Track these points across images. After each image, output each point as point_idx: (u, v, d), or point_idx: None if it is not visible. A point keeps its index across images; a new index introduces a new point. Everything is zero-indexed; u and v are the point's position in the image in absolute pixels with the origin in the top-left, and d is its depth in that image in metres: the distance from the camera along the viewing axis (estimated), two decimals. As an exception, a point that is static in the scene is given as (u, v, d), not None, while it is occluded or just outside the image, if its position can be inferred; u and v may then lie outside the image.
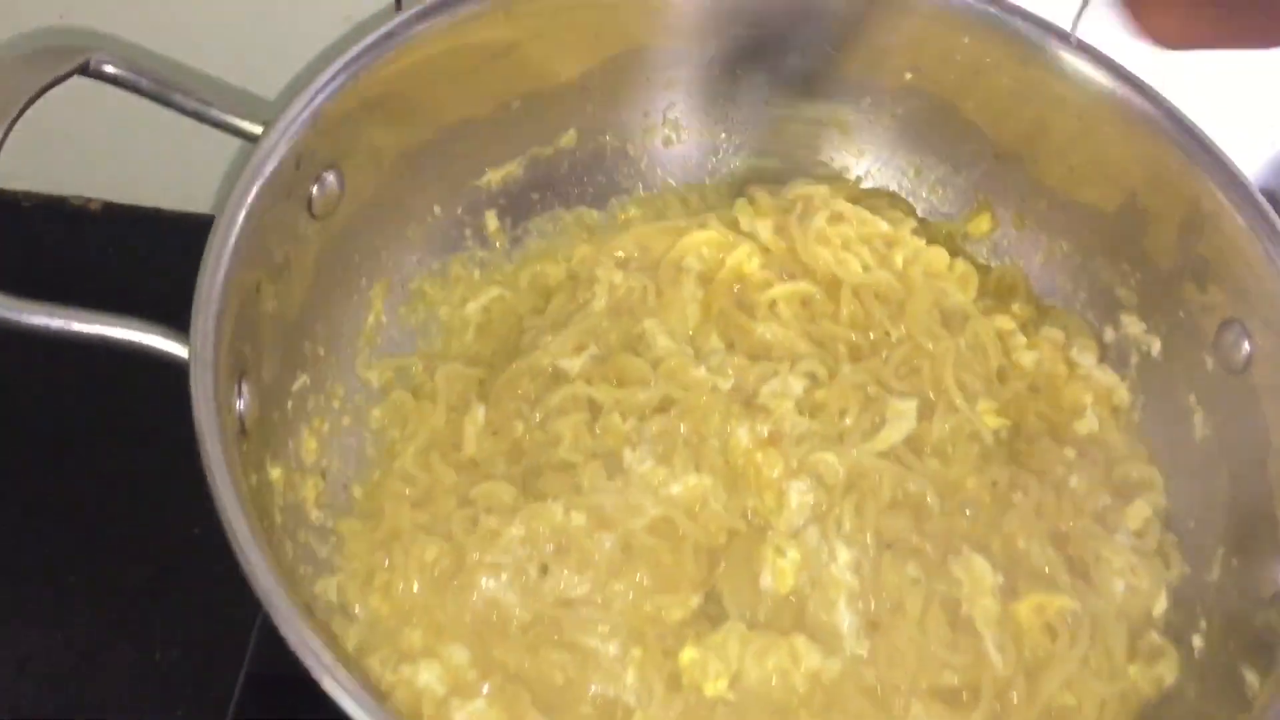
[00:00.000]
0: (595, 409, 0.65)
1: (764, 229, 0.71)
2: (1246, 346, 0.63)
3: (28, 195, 0.87)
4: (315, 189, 0.62)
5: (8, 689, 0.69)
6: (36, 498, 0.75)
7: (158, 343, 0.53)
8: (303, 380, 0.63)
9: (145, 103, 0.60)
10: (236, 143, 0.61)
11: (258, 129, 0.59)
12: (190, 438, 0.72)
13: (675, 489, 0.61)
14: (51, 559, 0.73)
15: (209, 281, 0.54)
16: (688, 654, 0.57)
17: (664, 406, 0.64)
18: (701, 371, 0.65)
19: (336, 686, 0.44)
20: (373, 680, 0.54)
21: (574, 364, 0.65)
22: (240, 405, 0.56)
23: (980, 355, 0.69)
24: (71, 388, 0.78)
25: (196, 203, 0.85)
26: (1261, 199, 0.63)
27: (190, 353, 0.52)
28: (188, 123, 0.60)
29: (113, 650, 0.71)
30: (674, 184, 0.77)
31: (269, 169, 0.58)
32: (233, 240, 0.56)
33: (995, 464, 0.65)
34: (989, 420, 0.66)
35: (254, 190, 0.57)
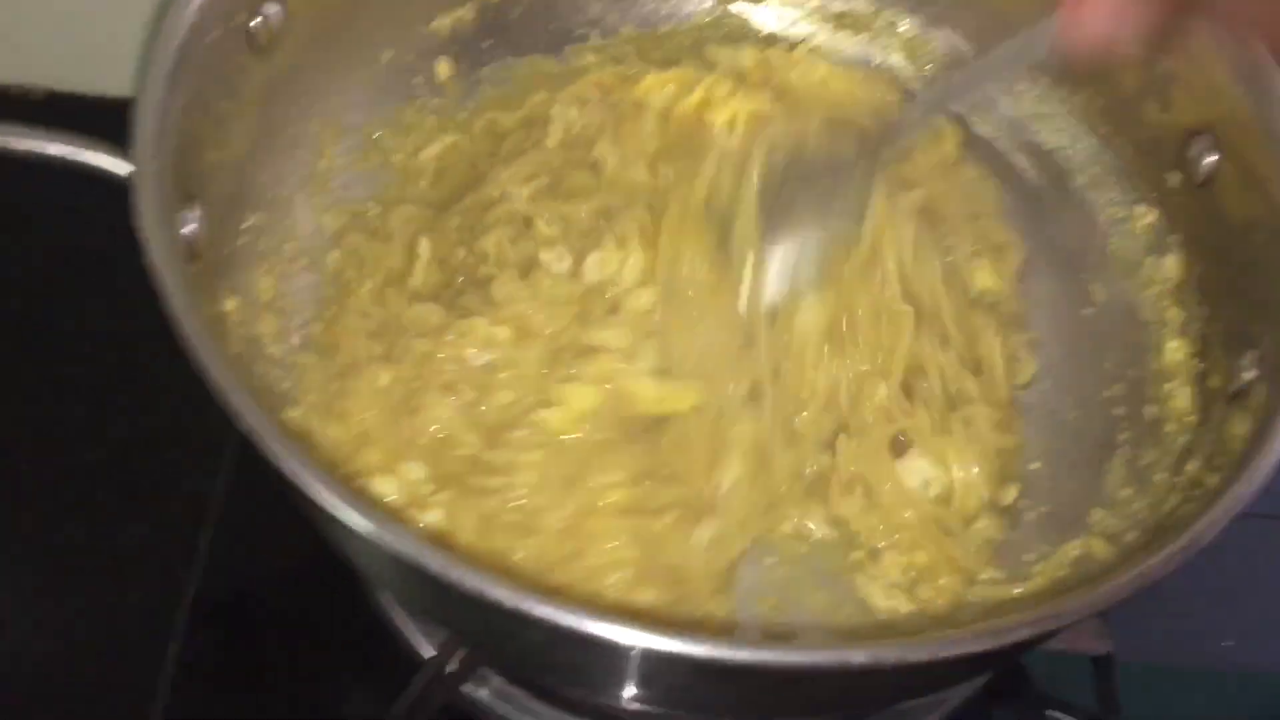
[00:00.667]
0: (529, 224, 0.64)
1: (746, 57, 0.69)
2: (1211, 158, 0.63)
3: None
4: (256, 21, 0.60)
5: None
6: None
7: (100, 160, 0.51)
8: (253, 219, 0.62)
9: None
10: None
11: (192, -50, 0.57)
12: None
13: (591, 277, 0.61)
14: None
15: (148, 100, 0.52)
16: None
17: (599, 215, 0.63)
18: (645, 178, 0.64)
19: (322, 490, 0.43)
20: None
21: (521, 192, 0.64)
22: (190, 230, 0.54)
23: None
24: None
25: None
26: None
27: (133, 168, 0.50)
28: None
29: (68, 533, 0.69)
30: (632, 31, 0.75)
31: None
32: (170, 61, 0.54)
33: None
34: None
35: (190, 10, 0.55)
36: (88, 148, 0.51)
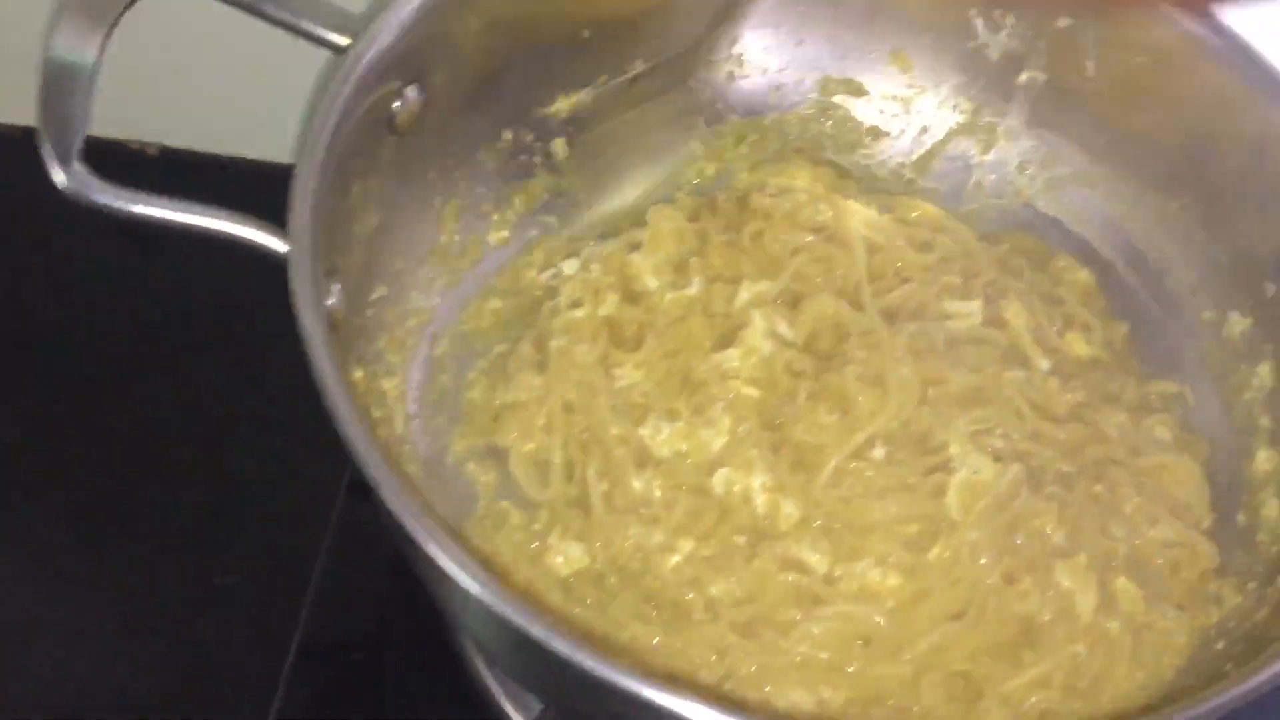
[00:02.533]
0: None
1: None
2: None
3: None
4: (397, 104, 0.63)
5: (68, 609, 0.70)
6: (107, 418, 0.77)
7: (256, 236, 0.54)
8: (380, 291, 0.65)
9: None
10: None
11: (346, 40, 0.60)
12: (264, 352, 0.74)
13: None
14: (116, 476, 0.75)
15: (303, 184, 0.56)
16: None
17: None
18: None
19: (440, 552, 0.46)
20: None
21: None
22: (331, 301, 0.57)
23: None
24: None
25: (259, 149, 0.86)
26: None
27: (290, 245, 0.53)
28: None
29: (173, 569, 0.72)
30: (735, 119, 0.78)
31: (355, 80, 0.59)
32: (322, 147, 0.57)
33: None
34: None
35: (342, 98, 0.58)
36: (245, 224, 0.54)
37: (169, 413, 0.78)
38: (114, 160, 0.86)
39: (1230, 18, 0.67)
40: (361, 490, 0.69)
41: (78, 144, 0.53)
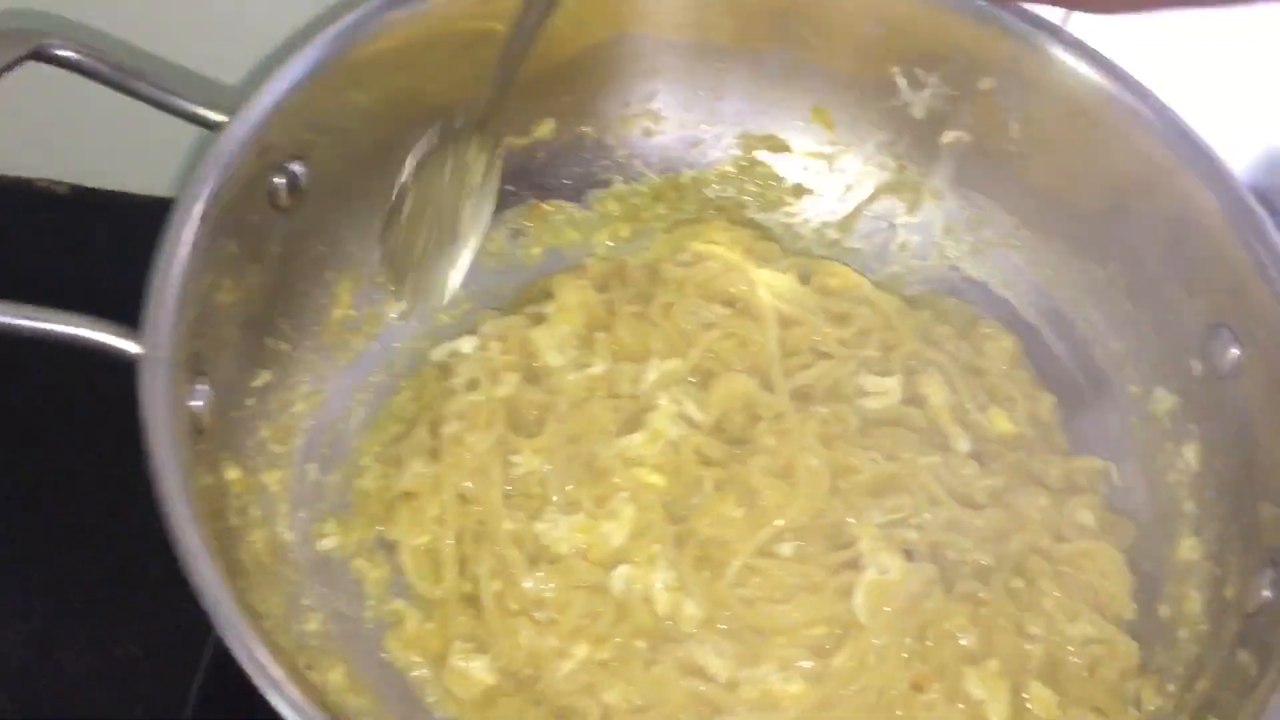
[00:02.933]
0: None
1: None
2: (1234, 351, 0.62)
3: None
4: (279, 180, 0.60)
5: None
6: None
7: (108, 339, 0.51)
8: (264, 377, 0.62)
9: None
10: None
11: (221, 118, 0.57)
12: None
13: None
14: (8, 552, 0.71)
15: (162, 279, 0.53)
16: None
17: None
18: None
19: (283, 703, 0.43)
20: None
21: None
22: (198, 404, 0.54)
23: None
24: (30, 381, 0.76)
25: (166, 186, 0.82)
26: (1251, 199, 0.62)
27: (142, 351, 0.50)
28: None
29: (71, 645, 0.68)
30: (653, 176, 0.75)
31: (230, 160, 0.56)
32: (189, 235, 0.54)
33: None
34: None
35: (211, 182, 0.55)
36: (95, 329, 0.51)
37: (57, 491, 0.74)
38: (23, 199, 0.86)
39: (1153, 83, 0.64)
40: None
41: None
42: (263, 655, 0.44)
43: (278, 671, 0.44)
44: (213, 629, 0.62)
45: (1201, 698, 0.55)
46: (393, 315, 0.69)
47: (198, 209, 0.55)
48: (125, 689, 0.67)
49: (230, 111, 0.57)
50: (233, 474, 0.57)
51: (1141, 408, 0.67)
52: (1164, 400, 0.66)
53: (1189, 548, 0.62)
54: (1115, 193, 0.67)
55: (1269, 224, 0.61)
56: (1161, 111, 0.64)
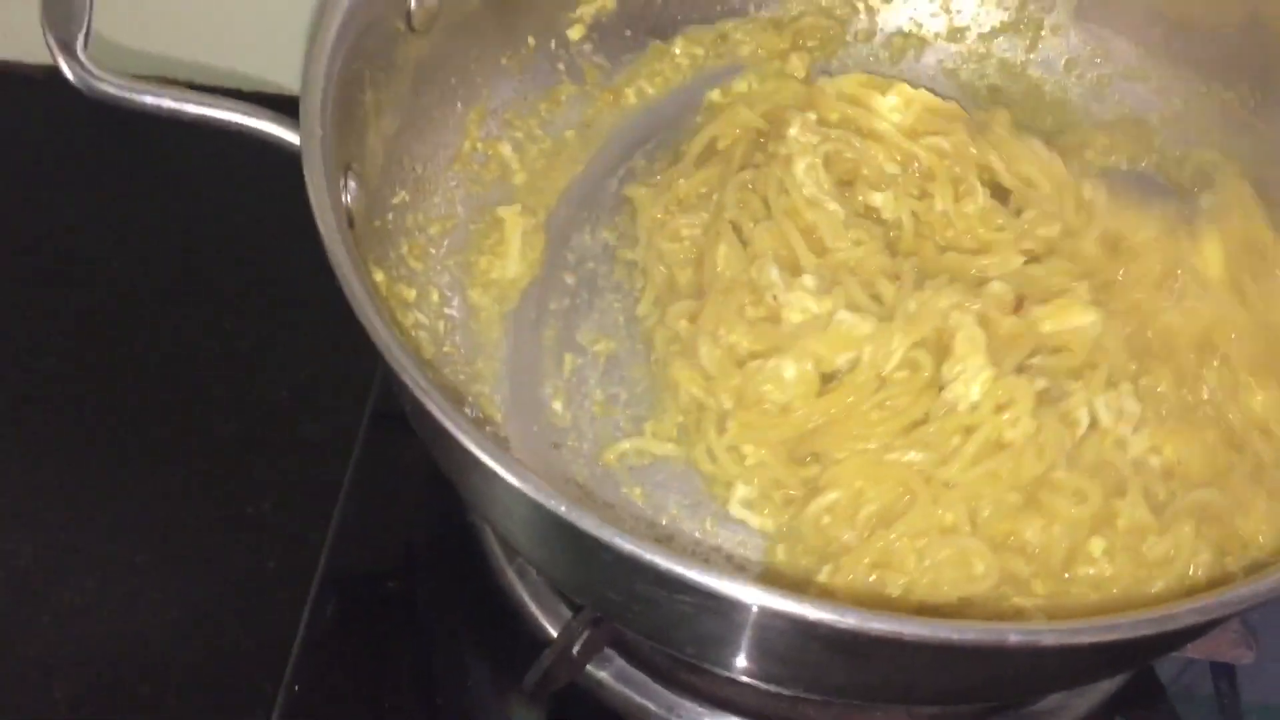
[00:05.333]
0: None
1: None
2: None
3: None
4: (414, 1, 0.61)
5: (99, 538, 0.69)
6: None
7: (268, 127, 0.52)
8: (402, 195, 0.63)
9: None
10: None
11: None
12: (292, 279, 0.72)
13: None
14: (144, 406, 0.74)
15: (314, 74, 0.54)
16: None
17: None
18: None
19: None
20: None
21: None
22: (347, 199, 0.55)
23: None
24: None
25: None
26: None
27: (301, 135, 0.51)
28: None
29: (204, 501, 0.71)
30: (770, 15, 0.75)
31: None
32: (332, 38, 0.55)
33: None
34: None
35: (350, -6, 0.57)
36: (258, 116, 0.52)
37: (197, 340, 0.76)
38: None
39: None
40: (384, 419, 0.69)
41: (82, 36, 0.52)
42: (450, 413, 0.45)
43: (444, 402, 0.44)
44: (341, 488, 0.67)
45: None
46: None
47: (338, 17, 0.56)
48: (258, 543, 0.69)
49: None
50: (378, 276, 0.59)
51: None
52: None
53: None
54: (1245, 10, 0.66)
55: None
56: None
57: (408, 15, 0.61)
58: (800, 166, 0.64)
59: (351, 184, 0.56)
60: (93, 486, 0.71)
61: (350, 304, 0.46)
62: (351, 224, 0.55)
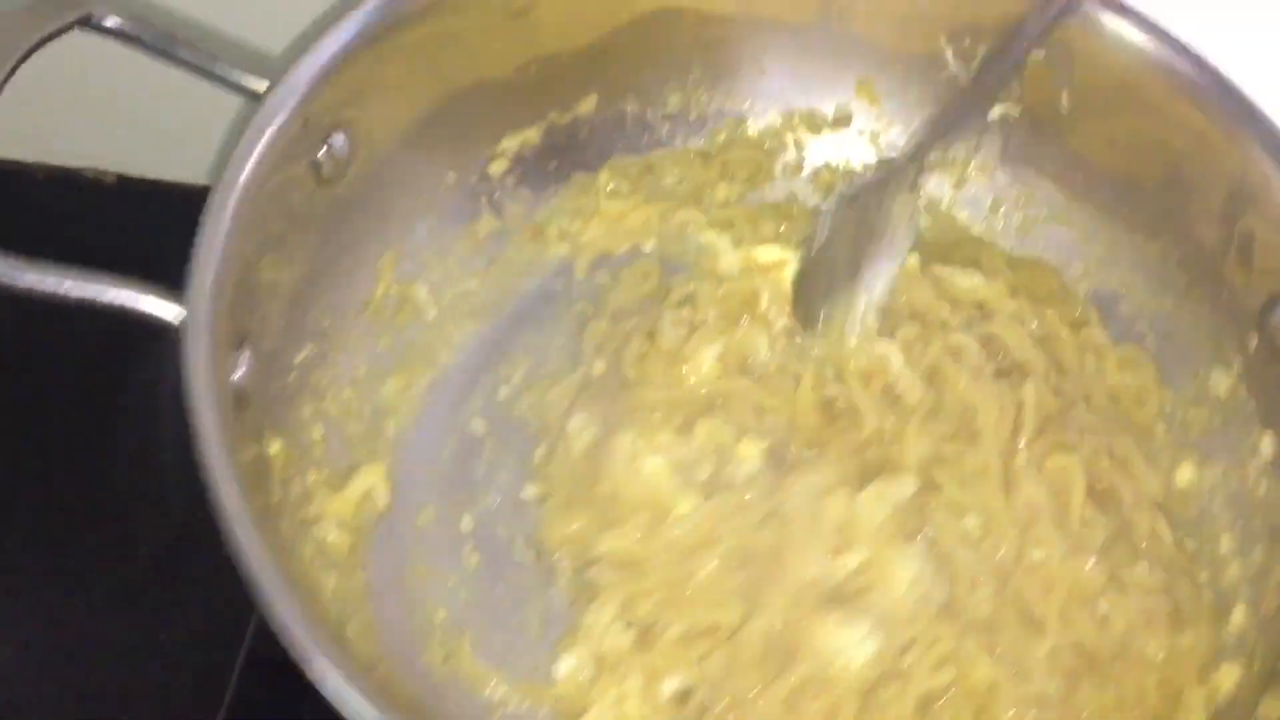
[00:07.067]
0: None
1: None
2: (1294, 324, 0.60)
3: (40, 167, 0.85)
4: (322, 152, 0.60)
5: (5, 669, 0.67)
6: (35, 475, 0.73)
7: (152, 306, 0.51)
8: (307, 351, 0.61)
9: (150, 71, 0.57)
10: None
11: (262, 85, 0.57)
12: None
13: None
14: (51, 540, 0.71)
15: (208, 245, 0.52)
16: None
17: None
18: None
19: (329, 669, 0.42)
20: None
21: None
22: (240, 374, 0.53)
23: None
24: (74, 358, 0.76)
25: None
26: (1313, 171, 0.60)
27: (186, 316, 0.50)
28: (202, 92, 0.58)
29: (114, 632, 0.68)
30: (692, 150, 0.74)
31: (274, 129, 0.56)
32: (233, 203, 0.54)
33: None
34: None
35: (257, 151, 0.55)
36: (140, 291, 0.51)
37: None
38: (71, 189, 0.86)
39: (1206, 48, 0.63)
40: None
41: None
42: (301, 623, 0.43)
43: (318, 640, 0.43)
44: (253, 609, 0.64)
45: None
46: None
47: (241, 177, 0.54)
48: (168, 673, 0.67)
49: (272, 80, 0.57)
50: (274, 447, 0.57)
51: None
52: (1221, 381, 0.65)
53: None
54: (1169, 165, 0.66)
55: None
56: (1215, 78, 0.62)
57: (316, 168, 0.60)
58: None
59: (245, 355, 0.54)
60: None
61: (217, 512, 0.44)
62: (245, 401, 0.54)
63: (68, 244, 0.80)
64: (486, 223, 0.70)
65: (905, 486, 0.62)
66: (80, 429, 0.74)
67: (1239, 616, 0.60)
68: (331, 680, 0.44)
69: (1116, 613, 0.60)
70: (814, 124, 0.74)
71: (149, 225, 0.82)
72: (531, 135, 0.70)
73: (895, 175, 0.68)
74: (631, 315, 0.70)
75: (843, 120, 0.74)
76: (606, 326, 0.70)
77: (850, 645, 0.56)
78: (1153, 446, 0.66)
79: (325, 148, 0.60)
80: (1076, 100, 0.67)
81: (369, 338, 0.65)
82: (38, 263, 0.50)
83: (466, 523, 0.64)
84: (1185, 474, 0.66)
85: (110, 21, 0.56)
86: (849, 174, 0.75)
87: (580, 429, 0.64)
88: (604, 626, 0.58)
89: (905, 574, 0.58)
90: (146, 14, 0.57)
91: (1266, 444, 0.62)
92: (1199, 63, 0.63)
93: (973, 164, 0.73)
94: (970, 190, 0.74)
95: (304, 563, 0.57)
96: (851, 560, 0.59)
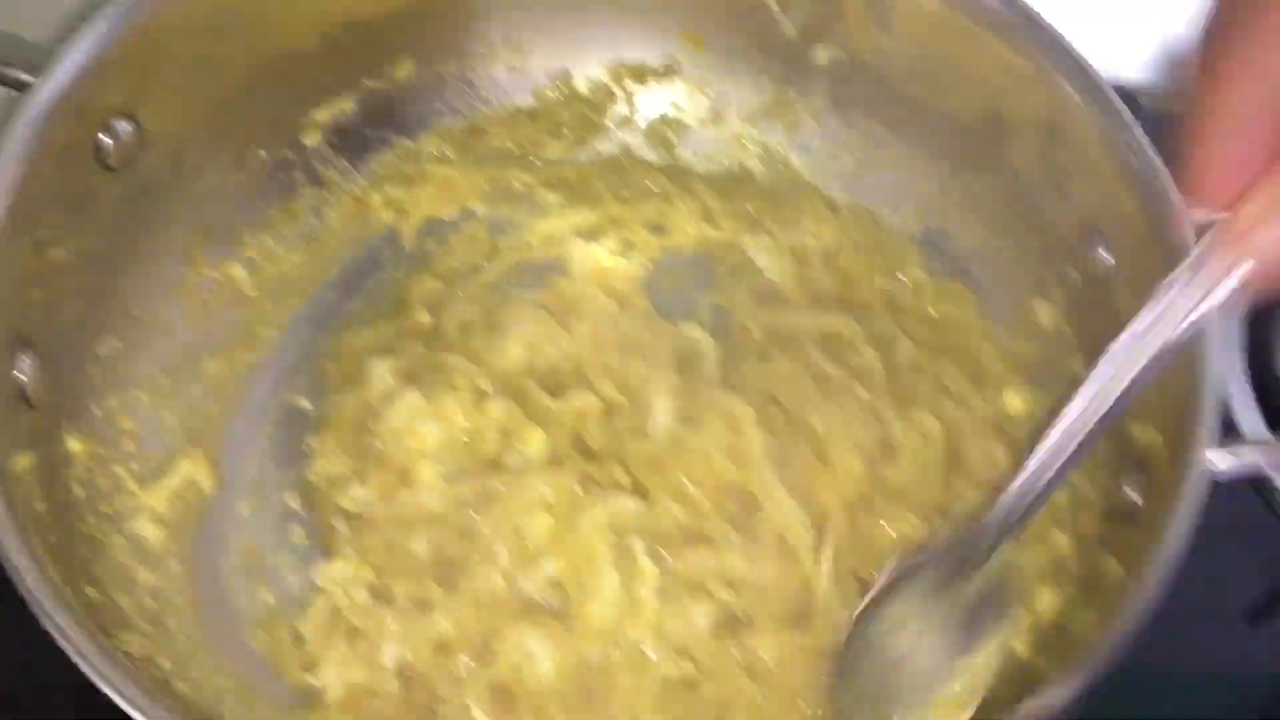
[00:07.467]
0: None
1: None
2: (1107, 259, 0.61)
3: None
4: (105, 138, 0.57)
5: None
6: None
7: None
8: (112, 344, 0.60)
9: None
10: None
11: (30, 77, 0.55)
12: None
13: None
14: None
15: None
16: None
17: None
18: None
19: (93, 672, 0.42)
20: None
21: None
22: (21, 376, 0.52)
23: None
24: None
25: None
26: (1119, 103, 0.60)
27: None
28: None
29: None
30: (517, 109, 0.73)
31: (42, 121, 0.54)
32: (5, 200, 0.52)
33: None
34: None
35: (22, 141, 0.53)
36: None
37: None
38: None
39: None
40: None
41: None
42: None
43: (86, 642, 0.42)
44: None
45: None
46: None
47: (10, 174, 0.52)
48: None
49: (38, 69, 0.55)
50: (75, 445, 0.56)
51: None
52: (1045, 313, 0.65)
53: None
54: (988, 102, 0.65)
55: (1136, 129, 0.59)
56: (1023, 13, 0.62)
57: (100, 156, 0.58)
58: None
59: (25, 360, 0.52)
60: None
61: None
62: (30, 404, 0.52)
63: None
64: (306, 196, 0.69)
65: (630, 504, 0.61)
66: None
67: (1060, 540, 0.61)
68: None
69: None
70: (640, 75, 0.73)
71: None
72: (346, 104, 0.69)
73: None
74: (464, 278, 0.69)
75: (671, 70, 0.73)
76: (439, 286, 0.69)
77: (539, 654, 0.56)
78: (980, 374, 0.67)
79: (107, 134, 0.58)
80: (896, 42, 0.67)
81: (183, 322, 0.64)
82: None
83: (292, 500, 0.63)
84: (1015, 401, 0.66)
85: None
86: (681, 125, 0.74)
87: (381, 376, 0.63)
88: (346, 581, 0.58)
89: (608, 584, 0.57)
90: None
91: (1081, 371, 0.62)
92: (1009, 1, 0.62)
93: (804, 110, 0.72)
94: (802, 135, 0.73)
95: (115, 558, 0.56)
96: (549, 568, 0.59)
